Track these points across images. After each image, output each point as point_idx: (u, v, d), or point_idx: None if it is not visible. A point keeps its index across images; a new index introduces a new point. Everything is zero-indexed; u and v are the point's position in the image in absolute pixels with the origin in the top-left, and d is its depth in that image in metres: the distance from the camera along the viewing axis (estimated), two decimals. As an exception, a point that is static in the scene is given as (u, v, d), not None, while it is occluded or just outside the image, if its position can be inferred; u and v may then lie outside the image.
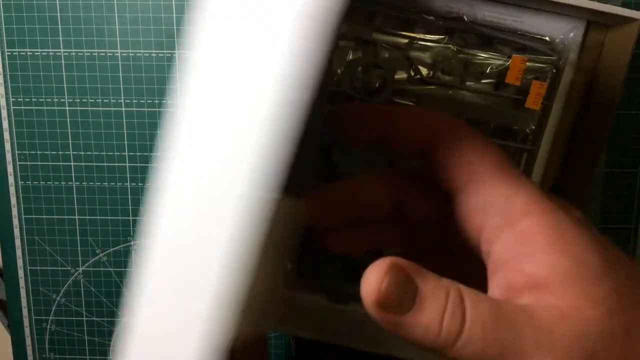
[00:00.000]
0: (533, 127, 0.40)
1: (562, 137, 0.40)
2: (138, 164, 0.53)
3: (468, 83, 0.40)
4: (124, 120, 0.53)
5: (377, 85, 0.41)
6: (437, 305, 0.17)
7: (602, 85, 0.41)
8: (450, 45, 0.40)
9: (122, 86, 0.52)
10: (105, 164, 0.54)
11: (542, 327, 0.17)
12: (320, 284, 0.39)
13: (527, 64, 0.39)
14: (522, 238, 0.19)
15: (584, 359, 0.16)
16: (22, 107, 0.53)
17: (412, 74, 0.41)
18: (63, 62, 0.52)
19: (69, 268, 0.55)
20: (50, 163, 0.53)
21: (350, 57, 0.41)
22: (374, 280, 0.17)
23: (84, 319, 0.55)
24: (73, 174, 0.54)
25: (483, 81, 0.40)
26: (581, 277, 0.17)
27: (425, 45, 0.40)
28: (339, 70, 0.41)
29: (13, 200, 0.54)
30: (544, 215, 0.18)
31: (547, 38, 0.40)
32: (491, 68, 0.40)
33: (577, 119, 0.40)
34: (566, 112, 0.39)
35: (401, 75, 0.41)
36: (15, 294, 0.51)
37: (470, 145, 0.20)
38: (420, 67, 0.41)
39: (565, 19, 0.40)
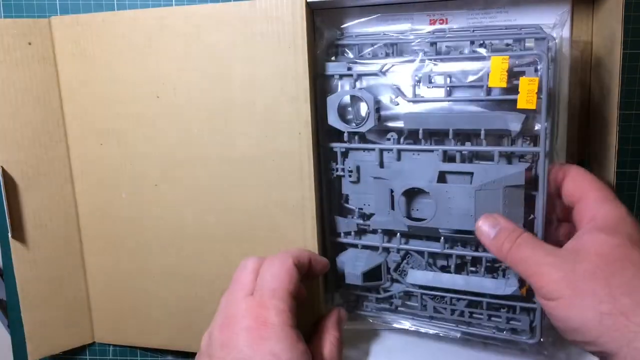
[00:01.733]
0: (537, 128, 0.35)
1: (575, 115, 0.40)
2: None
3: (457, 95, 0.37)
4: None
5: (364, 114, 0.40)
6: (504, 235, 0.34)
7: (600, 60, 0.39)
8: (427, 61, 0.38)
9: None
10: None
11: (558, 252, 0.32)
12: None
13: (514, 62, 0.35)
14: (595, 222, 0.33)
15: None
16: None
17: (394, 96, 0.39)
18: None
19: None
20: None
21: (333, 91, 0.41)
22: (480, 221, 0.35)
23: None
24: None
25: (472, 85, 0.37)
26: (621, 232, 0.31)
27: (403, 65, 0.39)
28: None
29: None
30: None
31: (540, 25, 0.35)
32: (475, 75, 0.36)
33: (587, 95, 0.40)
34: (574, 90, 0.39)
35: (386, 99, 0.40)
36: (15, 294, 0.49)
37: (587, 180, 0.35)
38: (402, 88, 0.39)
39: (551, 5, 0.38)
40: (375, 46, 0.40)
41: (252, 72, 0.41)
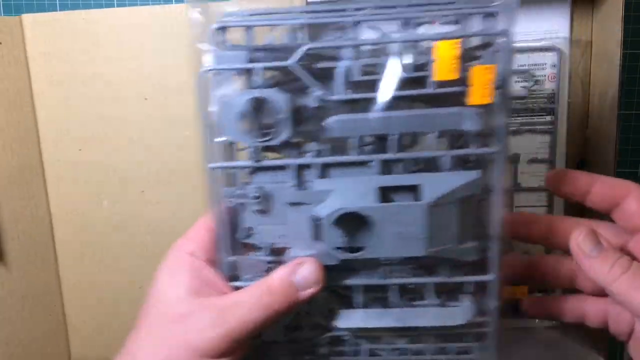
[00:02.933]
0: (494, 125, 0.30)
1: (577, 115, 0.42)
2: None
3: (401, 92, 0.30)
4: None
5: (275, 121, 0.30)
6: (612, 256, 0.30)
7: (600, 60, 0.40)
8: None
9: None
10: None
11: None
12: None
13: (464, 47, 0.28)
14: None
15: None
16: None
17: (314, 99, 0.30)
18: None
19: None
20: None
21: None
22: (578, 235, 0.31)
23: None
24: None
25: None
26: None
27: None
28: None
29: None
30: None
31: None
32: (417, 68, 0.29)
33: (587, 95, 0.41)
34: (575, 89, 0.41)
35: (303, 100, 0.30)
36: None
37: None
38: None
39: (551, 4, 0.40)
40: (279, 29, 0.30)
41: None
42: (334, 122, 0.30)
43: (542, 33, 0.42)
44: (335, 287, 0.33)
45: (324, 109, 0.30)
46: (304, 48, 0.28)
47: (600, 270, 0.30)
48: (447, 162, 0.30)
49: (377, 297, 0.34)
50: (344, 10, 0.30)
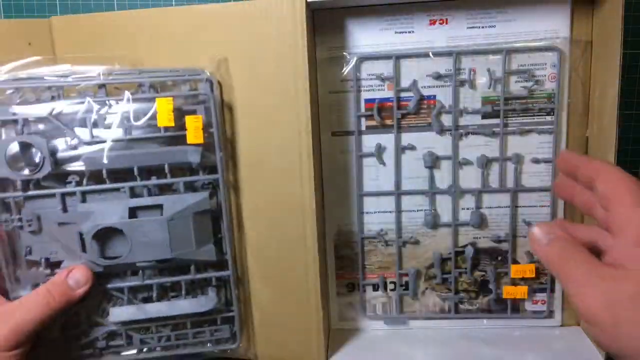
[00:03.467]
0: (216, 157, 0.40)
1: (577, 115, 0.43)
2: None
3: (135, 133, 0.39)
4: None
5: (38, 160, 0.38)
6: (558, 244, 0.31)
7: (600, 60, 0.41)
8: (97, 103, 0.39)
9: None
10: None
11: (600, 270, 0.29)
12: None
13: (183, 101, 0.39)
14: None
15: None
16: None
17: (69, 139, 0.39)
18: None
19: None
20: None
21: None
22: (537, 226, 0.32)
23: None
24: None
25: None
26: None
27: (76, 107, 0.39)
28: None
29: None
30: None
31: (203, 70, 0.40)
32: (148, 114, 0.39)
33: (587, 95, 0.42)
34: (575, 89, 0.42)
35: (62, 142, 0.39)
36: None
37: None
38: (78, 130, 0.39)
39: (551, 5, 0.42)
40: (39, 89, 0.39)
41: (252, 71, 0.41)
42: (87, 158, 0.39)
43: (542, 33, 0.43)
44: (108, 290, 0.42)
45: (77, 148, 0.39)
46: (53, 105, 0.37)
47: (547, 256, 0.31)
48: (180, 186, 0.40)
49: (144, 296, 0.43)
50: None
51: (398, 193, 0.47)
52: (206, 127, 0.39)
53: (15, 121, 0.38)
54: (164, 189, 0.41)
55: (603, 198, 0.31)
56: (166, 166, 0.40)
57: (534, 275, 0.46)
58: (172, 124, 0.38)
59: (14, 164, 0.38)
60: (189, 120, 0.38)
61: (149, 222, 0.40)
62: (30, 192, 0.39)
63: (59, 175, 0.39)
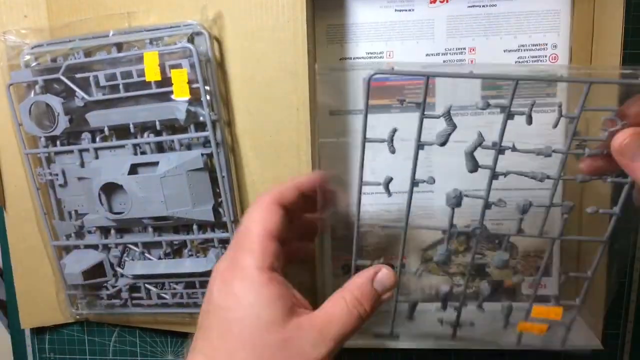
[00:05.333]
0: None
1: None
2: None
3: (132, 91, 0.40)
4: None
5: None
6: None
7: (600, 60, 0.40)
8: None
9: None
10: None
11: None
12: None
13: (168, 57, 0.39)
14: None
15: None
16: None
17: (79, 97, 0.41)
18: None
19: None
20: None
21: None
22: (621, 136, 0.30)
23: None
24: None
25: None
26: None
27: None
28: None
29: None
30: None
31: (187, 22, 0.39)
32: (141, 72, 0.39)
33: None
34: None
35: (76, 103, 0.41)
36: (14, 294, 0.50)
37: None
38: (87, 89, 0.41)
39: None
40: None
41: (251, 46, 0.41)
42: (92, 116, 0.41)
43: (541, 32, 0.42)
44: (125, 244, 0.44)
45: (87, 107, 0.41)
46: (65, 64, 0.40)
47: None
48: (176, 143, 0.40)
49: (159, 254, 0.44)
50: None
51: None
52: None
53: (36, 82, 0.41)
54: (168, 148, 0.42)
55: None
56: (157, 123, 0.40)
57: (559, 318, 0.39)
58: (159, 78, 0.38)
59: (39, 122, 0.42)
60: (174, 74, 0.38)
61: (144, 179, 0.40)
62: (51, 148, 0.43)
63: (80, 133, 0.42)
